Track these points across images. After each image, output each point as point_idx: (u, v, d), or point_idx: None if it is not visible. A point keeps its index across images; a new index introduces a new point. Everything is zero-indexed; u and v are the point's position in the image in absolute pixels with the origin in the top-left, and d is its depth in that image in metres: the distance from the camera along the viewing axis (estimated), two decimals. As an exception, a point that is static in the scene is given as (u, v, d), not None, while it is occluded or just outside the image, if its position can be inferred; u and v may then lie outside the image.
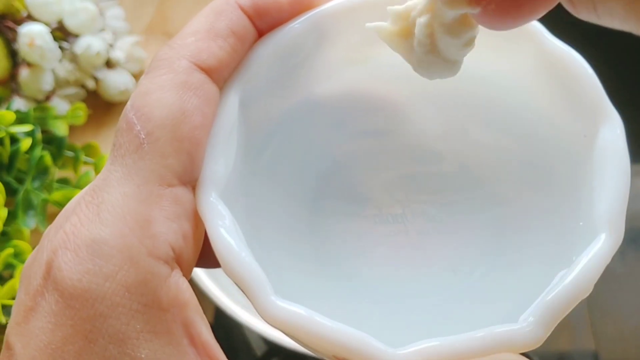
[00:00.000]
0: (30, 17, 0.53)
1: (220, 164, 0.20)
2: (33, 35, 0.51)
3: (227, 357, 0.19)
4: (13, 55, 0.53)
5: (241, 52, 0.21)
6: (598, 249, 0.19)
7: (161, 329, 0.18)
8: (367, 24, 0.21)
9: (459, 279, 0.24)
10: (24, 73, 0.53)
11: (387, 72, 0.24)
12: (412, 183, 0.25)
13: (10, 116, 0.46)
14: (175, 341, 0.18)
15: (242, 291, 0.19)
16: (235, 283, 0.19)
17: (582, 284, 0.18)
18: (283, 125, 0.24)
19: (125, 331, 0.17)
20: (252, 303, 0.18)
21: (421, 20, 0.19)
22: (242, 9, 0.21)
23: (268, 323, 0.18)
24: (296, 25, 0.22)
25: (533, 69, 0.22)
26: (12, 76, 0.53)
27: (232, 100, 0.21)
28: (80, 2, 0.54)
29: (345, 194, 0.25)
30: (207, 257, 0.21)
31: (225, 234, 0.19)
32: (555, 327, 0.19)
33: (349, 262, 0.24)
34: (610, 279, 0.53)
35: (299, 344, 0.19)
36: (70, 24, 0.54)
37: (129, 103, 0.20)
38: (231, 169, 0.21)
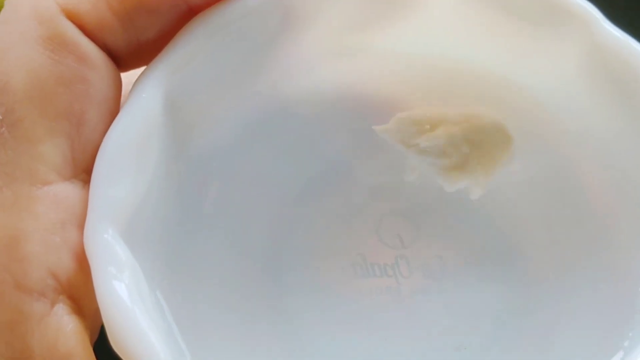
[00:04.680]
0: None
1: (124, 185, 0.13)
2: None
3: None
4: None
5: (144, 27, 0.14)
6: None
7: None
8: None
9: None
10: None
11: (384, 67, 0.17)
12: (411, 222, 0.18)
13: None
14: None
15: None
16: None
17: None
18: (235, 138, 0.16)
19: None
20: None
21: None
22: None
23: None
24: None
25: (584, 75, 0.15)
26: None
27: (152, 93, 0.14)
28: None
29: (319, 233, 0.17)
30: None
31: (119, 288, 0.12)
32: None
33: (314, 330, 0.16)
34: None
35: None
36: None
37: None
38: (144, 196, 0.14)
